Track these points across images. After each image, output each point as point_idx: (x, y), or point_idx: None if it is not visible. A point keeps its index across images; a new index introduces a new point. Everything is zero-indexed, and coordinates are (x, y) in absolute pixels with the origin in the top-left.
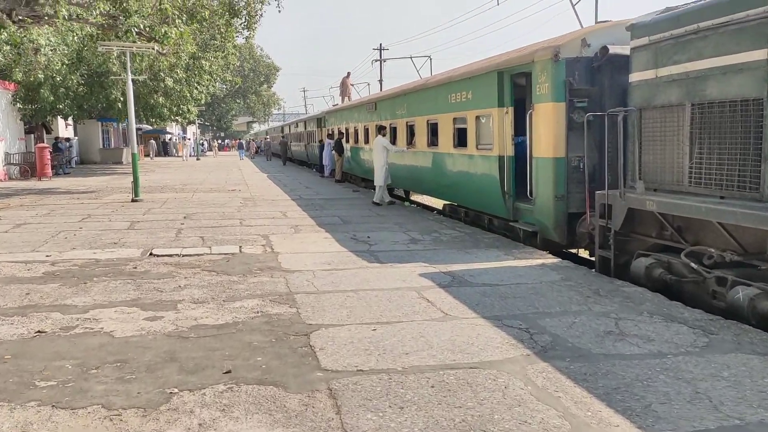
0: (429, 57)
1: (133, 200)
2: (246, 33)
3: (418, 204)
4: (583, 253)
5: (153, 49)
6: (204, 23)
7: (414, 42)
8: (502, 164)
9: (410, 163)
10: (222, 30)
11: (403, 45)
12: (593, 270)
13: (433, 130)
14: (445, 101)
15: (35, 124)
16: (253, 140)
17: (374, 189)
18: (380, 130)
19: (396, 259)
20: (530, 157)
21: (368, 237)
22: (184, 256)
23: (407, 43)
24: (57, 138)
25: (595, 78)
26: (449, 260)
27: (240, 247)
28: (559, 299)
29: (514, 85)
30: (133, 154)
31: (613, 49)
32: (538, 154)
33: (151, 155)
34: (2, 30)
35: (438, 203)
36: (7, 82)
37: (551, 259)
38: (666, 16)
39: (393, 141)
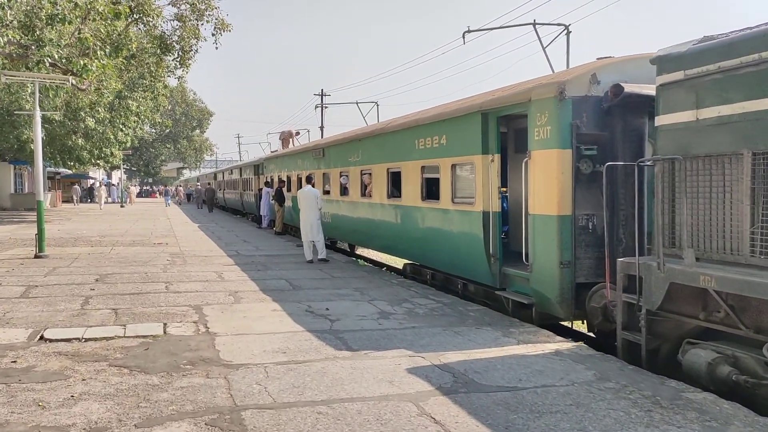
0: (376, 103)
1: (36, 256)
2: (179, 71)
3: (365, 259)
4: (578, 325)
5: (67, 82)
6: (132, 60)
7: (359, 88)
8: (486, 221)
9: (364, 215)
10: (152, 68)
11: (346, 91)
12: (608, 355)
13: (395, 180)
14: (410, 147)
15: None
16: (180, 186)
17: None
18: (308, 180)
19: (370, 344)
20: (526, 215)
21: (327, 309)
22: (87, 340)
23: (352, 89)
24: None
25: (605, 121)
26: (438, 345)
27: (165, 325)
28: (614, 416)
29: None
30: (38, 202)
31: (629, 88)
32: (537, 210)
33: (75, 201)
34: None
35: (389, 259)
36: None
37: (564, 343)
38: (710, 46)
39: (345, 191)
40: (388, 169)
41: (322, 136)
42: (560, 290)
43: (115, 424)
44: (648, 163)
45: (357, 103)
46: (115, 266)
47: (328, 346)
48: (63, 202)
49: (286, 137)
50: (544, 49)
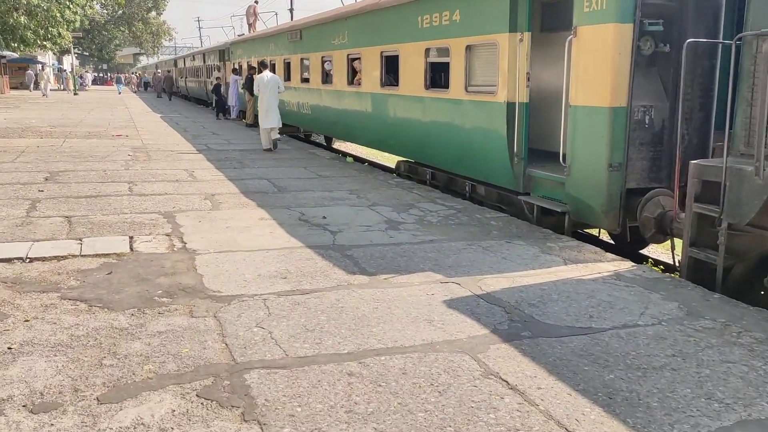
0: None
1: None
2: None
3: (341, 152)
4: (603, 235)
5: None
6: None
7: None
8: (511, 114)
9: (351, 107)
10: None
11: None
12: (671, 275)
13: (391, 66)
14: (411, 26)
15: None
16: (135, 74)
17: (297, 135)
18: (266, 66)
19: (387, 265)
20: (566, 106)
21: (324, 218)
22: (32, 260)
23: None
24: None
25: None
26: (470, 266)
27: (131, 239)
28: (738, 374)
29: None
30: None
31: None
32: (582, 101)
33: (30, 88)
34: None
35: (373, 154)
36: None
37: (620, 262)
38: None
39: (328, 79)
40: (381, 52)
41: (291, 20)
42: (608, 197)
43: (68, 397)
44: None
45: None
46: (68, 162)
47: (337, 268)
48: (11, 89)
49: (250, 12)
50: None
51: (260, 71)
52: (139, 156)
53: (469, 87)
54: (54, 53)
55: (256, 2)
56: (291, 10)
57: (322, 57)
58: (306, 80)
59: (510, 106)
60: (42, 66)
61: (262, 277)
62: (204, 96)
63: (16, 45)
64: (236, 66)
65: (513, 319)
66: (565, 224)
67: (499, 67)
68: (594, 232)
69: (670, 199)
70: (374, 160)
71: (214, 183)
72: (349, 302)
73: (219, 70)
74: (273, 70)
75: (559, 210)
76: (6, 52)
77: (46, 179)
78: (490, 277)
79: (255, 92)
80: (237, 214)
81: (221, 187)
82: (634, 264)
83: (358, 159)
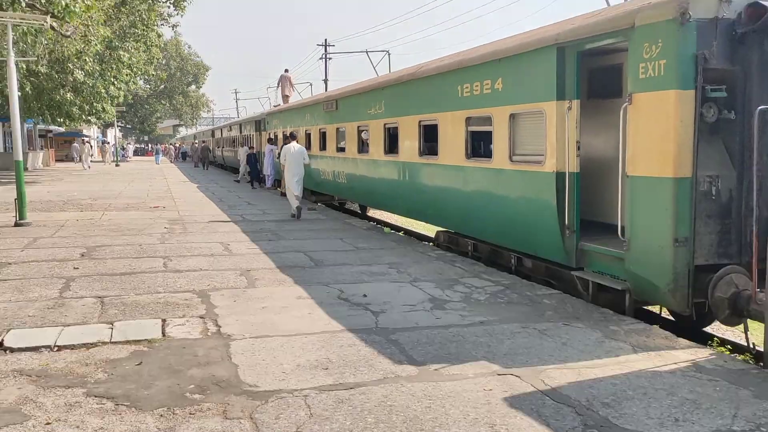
0: (387, 52)
1: (16, 224)
2: (173, 16)
3: (376, 221)
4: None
5: (45, 23)
6: (122, 7)
7: (366, 36)
8: (561, 184)
9: (388, 176)
10: (143, 15)
11: (351, 41)
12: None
13: (429, 135)
14: (451, 95)
15: None
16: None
17: (332, 204)
18: (292, 136)
19: (436, 353)
20: (622, 176)
21: (365, 296)
22: (60, 348)
23: (358, 37)
24: None
25: (737, 52)
26: (528, 354)
27: (163, 322)
28: None
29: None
30: (16, 162)
31: None
32: (642, 171)
33: (75, 159)
34: None
35: (412, 223)
36: None
37: (696, 350)
38: None
39: (365, 148)
40: (420, 122)
41: (326, 90)
42: (674, 275)
43: None
44: None
45: (366, 51)
46: (105, 236)
47: (382, 356)
48: (57, 161)
49: (283, 82)
50: None
51: (288, 142)
52: (176, 228)
53: (513, 156)
54: (98, 126)
55: (287, 71)
56: (325, 80)
57: (358, 126)
58: (342, 149)
59: (559, 176)
60: (83, 140)
61: (302, 368)
62: (239, 165)
63: (62, 120)
64: (272, 135)
65: (587, 423)
66: (626, 303)
67: (546, 136)
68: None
69: (744, 276)
70: (411, 229)
71: (250, 257)
72: (398, 400)
73: (245, 140)
74: (308, 140)
75: (618, 288)
76: (52, 127)
77: (82, 255)
78: (553, 368)
79: (282, 162)
80: (273, 292)
81: (257, 261)
82: (711, 351)
83: (394, 227)
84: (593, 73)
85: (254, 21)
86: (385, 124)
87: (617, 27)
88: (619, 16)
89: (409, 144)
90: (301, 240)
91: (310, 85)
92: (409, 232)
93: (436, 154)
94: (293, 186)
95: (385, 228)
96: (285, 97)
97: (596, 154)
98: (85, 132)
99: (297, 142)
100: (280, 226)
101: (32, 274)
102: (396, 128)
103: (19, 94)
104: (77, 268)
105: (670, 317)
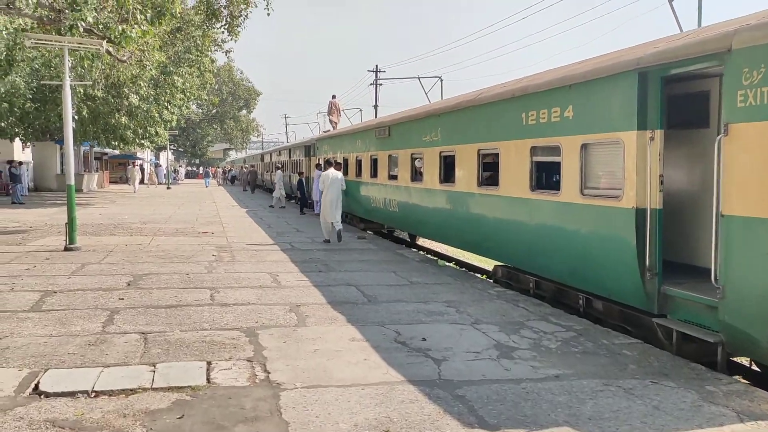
0: (440, 78)
1: (66, 248)
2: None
3: (428, 251)
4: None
5: (101, 47)
6: (177, 33)
7: (416, 63)
8: (641, 222)
9: (444, 206)
10: (198, 41)
11: (402, 66)
12: None
13: (489, 165)
14: (514, 123)
15: None
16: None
17: (381, 232)
18: (329, 163)
19: (510, 413)
20: (717, 215)
21: (424, 340)
22: (98, 394)
23: (407, 64)
24: (10, 161)
25: None
26: (613, 417)
27: (208, 366)
28: None
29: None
30: (68, 187)
31: None
32: (740, 210)
33: (148, 182)
34: None
35: (456, 251)
36: None
37: None
38: None
39: (418, 176)
40: (479, 150)
41: (375, 116)
42: None
43: None
44: None
45: (419, 77)
46: (153, 263)
47: (449, 417)
48: (111, 182)
49: (331, 108)
50: (671, 1)
51: (325, 169)
52: (224, 256)
53: (585, 189)
54: (151, 150)
55: (334, 97)
56: (375, 106)
57: (412, 154)
58: (394, 177)
59: (640, 212)
60: (132, 163)
61: (361, 429)
62: (288, 190)
63: (117, 143)
64: (320, 161)
65: None
66: (718, 357)
67: (625, 168)
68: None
69: None
70: (465, 260)
71: (299, 290)
72: None
73: (294, 165)
74: (358, 167)
75: (711, 340)
76: (107, 149)
77: (129, 284)
78: None
79: (320, 188)
80: (325, 332)
81: (307, 295)
82: None
83: (446, 258)
84: (672, 101)
85: (305, 47)
86: (441, 152)
87: (709, 50)
88: (712, 39)
89: (467, 173)
90: (352, 272)
91: (360, 111)
92: (461, 264)
93: (497, 185)
94: (329, 213)
95: (439, 261)
96: (333, 123)
97: (677, 188)
98: (139, 155)
99: (334, 168)
100: (330, 255)
101: (77, 304)
102: (453, 156)
103: (76, 117)
104: (122, 299)
105: (755, 367)
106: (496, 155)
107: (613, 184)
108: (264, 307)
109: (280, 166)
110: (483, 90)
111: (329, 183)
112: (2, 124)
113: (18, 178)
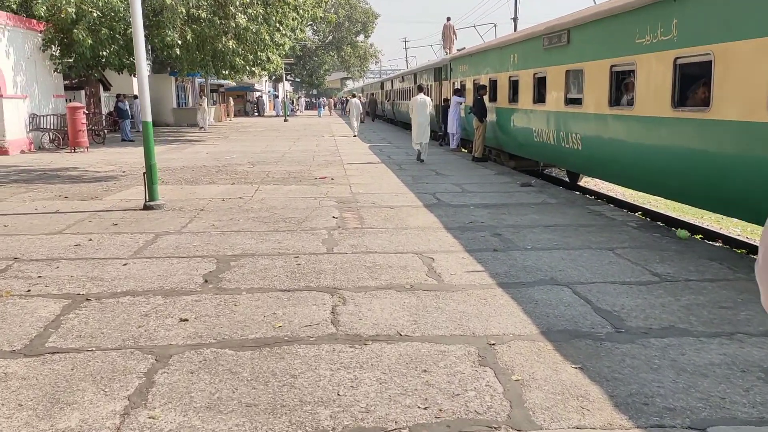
0: None
1: (145, 206)
2: None
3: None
4: None
5: None
6: None
7: None
8: None
9: (670, 142)
10: None
11: None
12: None
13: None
14: None
15: (86, 77)
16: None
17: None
18: (420, 88)
19: None
20: None
21: None
22: None
23: None
24: (119, 96)
25: None
26: None
27: None
28: None
29: None
30: (144, 124)
31: None
32: None
33: (203, 120)
34: None
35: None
36: (34, 21)
37: None
38: None
39: (617, 98)
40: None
41: (515, 30)
42: None
43: None
44: None
45: None
46: (251, 232)
47: None
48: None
49: (446, 32)
50: None
51: (416, 93)
52: (348, 219)
53: None
54: (268, 80)
55: (449, 19)
56: (514, 19)
57: (612, 66)
58: (575, 101)
59: None
60: (200, 94)
61: None
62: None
63: (227, 72)
64: (458, 86)
65: None
66: None
67: None
68: None
69: None
70: (697, 222)
71: (478, 297)
72: None
73: (458, 92)
74: (513, 90)
75: None
76: (223, 81)
77: (206, 280)
78: None
79: (410, 113)
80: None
81: (495, 309)
82: None
83: (641, 209)
84: None
85: None
86: (676, 58)
87: None
88: None
89: (734, 93)
90: (544, 252)
91: (495, 26)
92: (695, 229)
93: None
94: (419, 135)
95: (678, 231)
96: (446, 49)
97: None
98: (256, 86)
99: (425, 94)
100: (498, 217)
101: (104, 336)
102: (697, 66)
103: (180, 42)
104: (186, 320)
105: None
106: None
107: None
108: (429, 346)
109: (458, 90)
110: None
111: (417, 107)
112: (104, 53)
113: (125, 113)
